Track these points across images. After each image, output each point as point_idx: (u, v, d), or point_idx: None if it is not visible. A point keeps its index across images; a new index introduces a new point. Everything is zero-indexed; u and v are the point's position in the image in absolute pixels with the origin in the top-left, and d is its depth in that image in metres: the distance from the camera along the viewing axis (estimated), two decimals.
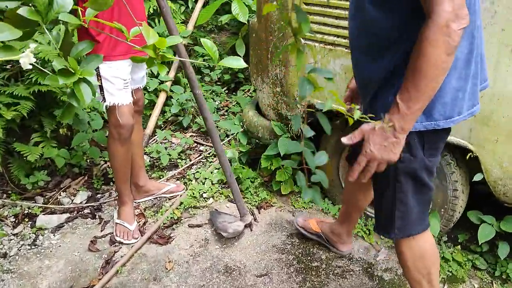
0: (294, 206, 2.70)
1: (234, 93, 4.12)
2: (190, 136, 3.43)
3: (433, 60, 1.15)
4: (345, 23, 2.07)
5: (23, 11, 0.97)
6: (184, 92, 3.56)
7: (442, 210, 2.15)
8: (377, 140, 1.31)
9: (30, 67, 0.97)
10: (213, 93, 3.92)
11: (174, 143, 3.32)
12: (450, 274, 2.16)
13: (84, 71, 1.13)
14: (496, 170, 1.86)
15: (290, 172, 2.66)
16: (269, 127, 2.63)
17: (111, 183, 2.96)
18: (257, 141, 2.96)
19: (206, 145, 3.34)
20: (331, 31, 2.14)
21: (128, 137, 2.30)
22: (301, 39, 2.26)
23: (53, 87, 2.69)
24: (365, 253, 2.32)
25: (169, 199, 2.79)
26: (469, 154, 1.90)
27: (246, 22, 3.81)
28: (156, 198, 2.80)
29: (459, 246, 2.24)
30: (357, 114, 1.06)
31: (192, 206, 2.71)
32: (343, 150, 2.45)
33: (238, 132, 2.93)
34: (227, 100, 3.94)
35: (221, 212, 2.60)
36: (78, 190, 2.87)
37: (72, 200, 2.80)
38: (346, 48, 2.12)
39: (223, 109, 3.86)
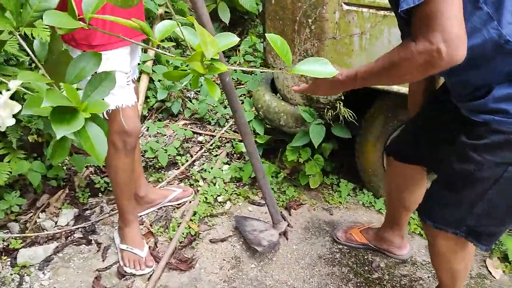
0: (328, 202, 2.32)
1: None
2: (183, 124, 2.91)
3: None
4: None
5: None
6: None
7: None
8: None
9: (13, 122, 0.60)
10: None
11: (166, 135, 2.80)
12: None
13: (92, 105, 0.66)
14: None
15: (321, 164, 2.26)
16: (295, 113, 2.19)
17: (100, 194, 2.42)
18: (270, 127, 2.51)
19: (205, 134, 2.84)
20: None
21: (135, 145, 1.79)
22: (343, 4, 1.81)
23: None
24: (428, 254, 2.00)
25: (177, 208, 2.32)
26: None
27: None
28: (161, 208, 2.32)
29: None
30: None
31: (208, 214, 2.26)
32: (389, 136, 2.06)
33: (251, 120, 2.46)
34: (213, 76, 3.42)
35: (247, 218, 2.18)
36: (61, 208, 2.31)
37: (56, 223, 2.25)
38: None
39: None
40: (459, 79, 1.20)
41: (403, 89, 1.80)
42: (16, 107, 0.53)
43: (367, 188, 2.31)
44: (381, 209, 2.22)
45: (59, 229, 2.21)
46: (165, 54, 0.84)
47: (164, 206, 2.32)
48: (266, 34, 0.85)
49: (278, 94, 2.30)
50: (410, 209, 1.76)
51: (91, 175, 2.51)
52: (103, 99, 0.71)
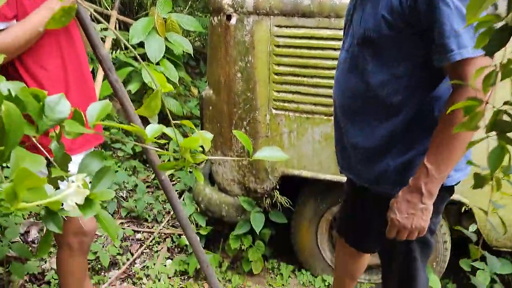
0: (272, 286, 2.46)
1: (147, 165, 3.73)
2: (120, 224, 2.94)
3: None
4: (323, 91, 2.02)
5: None
6: None
7: (434, 263, 2.18)
8: (404, 208, 1.25)
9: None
10: (132, 169, 3.47)
11: (103, 235, 2.80)
12: None
13: (100, 194, 0.82)
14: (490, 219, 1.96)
15: (262, 249, 2.44)
16: (235, 204, 2.40)
17: None
18: (212, 218, 2.67)
19: (144, 231, 2.89)
20: (308, 99, 2.07)
21: (90, 245, 1.83)
22: (272, 109, 2.14)
23: None
24: None
25: None
26: (464, 207, 1.98)
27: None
28: None
29: None
30: None
31: None
32: (320, 217, 2.34)
33: (192, 213, 2.60)
34: (147, 174, 3.54)
35: None
36: None
37: None
38: (325, 116, 2.06)
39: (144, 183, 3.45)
40: None
41: (329, 176, 2.13)
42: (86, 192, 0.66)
43: (305, 268, 2.51)
44: (320, 287, 2.41)
45: None
46: (157, 151, 1.02)
47: None
48: (234, 131, 1.03)
49: (217, 187, 2.51)
50: (355, 278, 1.92)
51: (26, 284, 2.40)
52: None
